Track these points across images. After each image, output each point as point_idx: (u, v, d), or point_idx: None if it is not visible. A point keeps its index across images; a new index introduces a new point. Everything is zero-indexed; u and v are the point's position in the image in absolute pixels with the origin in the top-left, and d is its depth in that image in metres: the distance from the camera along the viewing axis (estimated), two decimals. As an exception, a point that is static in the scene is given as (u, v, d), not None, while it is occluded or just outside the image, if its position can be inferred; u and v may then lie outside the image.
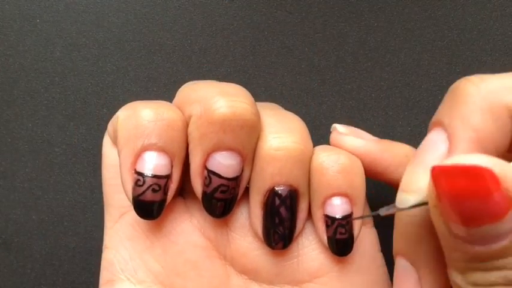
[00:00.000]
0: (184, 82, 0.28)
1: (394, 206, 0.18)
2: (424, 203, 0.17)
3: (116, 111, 0.27)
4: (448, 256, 0.17)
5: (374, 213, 0.20)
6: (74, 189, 0.27)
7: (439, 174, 0.15)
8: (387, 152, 0.21)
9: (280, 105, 0.26)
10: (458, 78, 0.27)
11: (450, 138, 0.17)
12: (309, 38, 0.28)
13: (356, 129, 0.23)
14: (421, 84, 0.27)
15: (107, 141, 0.22)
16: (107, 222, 0.22)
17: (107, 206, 0.22)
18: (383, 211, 0.19)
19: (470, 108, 0.17)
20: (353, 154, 0.21)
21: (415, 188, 0.17)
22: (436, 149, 0.18)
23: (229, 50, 0.28)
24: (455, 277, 0.17)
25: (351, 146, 0.22)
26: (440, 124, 0.18)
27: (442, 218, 0.16)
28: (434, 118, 0.18)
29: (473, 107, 0.17)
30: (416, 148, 0.19)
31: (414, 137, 0.27)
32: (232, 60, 0.28)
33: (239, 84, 0.21)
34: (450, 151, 0.17)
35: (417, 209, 0.18)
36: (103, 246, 0.22)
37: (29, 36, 0.28)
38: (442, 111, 0.18)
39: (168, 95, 0.27)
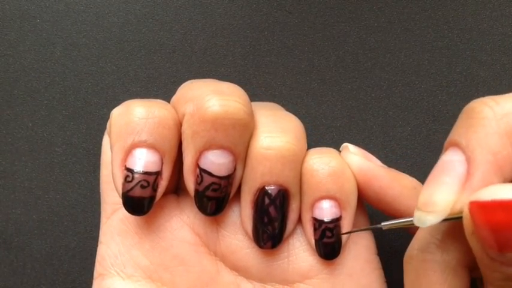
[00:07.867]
0: (184, 82, 0.28)
1: (408, 221, 0.19)
2: (445, 220, 0.18)
3: (116, 111, 0.27)
4: (485, 274, 0.17)
5: (375, 226, 0.20)
6: (74, 189, 0.27)
7: (476, 209, 0.16)
8: (396, 182, 0.21)
9: (280, 105, 0.26)
10: (458, 78, 0.28)
11: (469, 160, 0.17)
12: (309, 38, 0.28)
13: (366, 152, 0.22)
14: (421, 84, 0.27)
15: (106, 140, 0.22)
16: (102, 218, 0.22)
17: (102, 203, 0.22)
18: (386, 225, 0.20)
19: (487, 131, 0.17)
20: (361, 177, 0.21)
21: (434, 209, 0.17)
22: (454, 170, 0.18)
23: (229, 50, 0.28)
24: None
25: (360, 166, 0.21)
26: (456, 145, 0.18)
27: (479, 244, 0.17)
28: (450, 138, 0.18)
29: (490, 130, 0.17)
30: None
31: (414, 137, 0.27)
32: (232, 60, 0.28)
33: (239, 84, 0.21)
34: (469, 173, 0.17)
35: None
36: (98, 242, 0.22)
37: (29, 36, 0.28)
38: (458, 132, 0.18)
39: (168, 95, 0.27)
